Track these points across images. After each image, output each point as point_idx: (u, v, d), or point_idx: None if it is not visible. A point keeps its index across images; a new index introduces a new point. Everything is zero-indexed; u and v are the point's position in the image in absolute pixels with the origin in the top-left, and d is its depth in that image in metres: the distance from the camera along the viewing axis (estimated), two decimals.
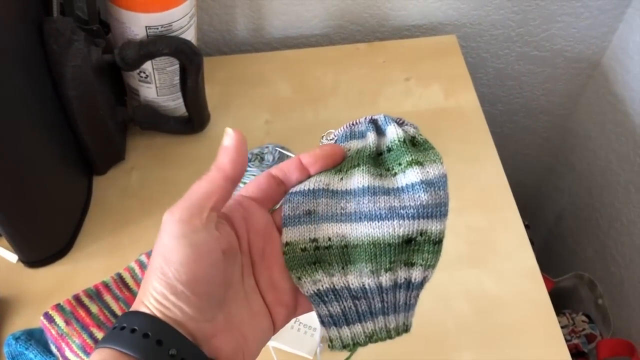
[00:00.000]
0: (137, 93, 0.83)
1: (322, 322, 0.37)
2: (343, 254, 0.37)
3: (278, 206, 0.40)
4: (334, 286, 0.37)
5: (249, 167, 0.75)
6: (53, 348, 0.64)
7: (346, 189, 0.38)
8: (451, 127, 0.88)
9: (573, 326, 1.14)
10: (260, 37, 1.01)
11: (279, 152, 0.77)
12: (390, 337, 0.37)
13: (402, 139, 0.38)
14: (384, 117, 0.39)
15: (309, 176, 0.39)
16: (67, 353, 0.63)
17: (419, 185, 0.36)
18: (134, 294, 0.68)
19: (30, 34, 0.65)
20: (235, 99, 0.91)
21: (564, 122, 1.24)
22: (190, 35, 0.78)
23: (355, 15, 1.00)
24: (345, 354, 0.66)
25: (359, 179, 0.37)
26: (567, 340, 1.10)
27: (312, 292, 0.37)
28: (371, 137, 0.39)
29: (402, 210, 0.36)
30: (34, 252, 0.74)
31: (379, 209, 0.36)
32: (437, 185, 0.36)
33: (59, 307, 0.64)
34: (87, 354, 0.63)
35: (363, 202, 0.37)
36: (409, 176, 0.37)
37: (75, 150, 0.76)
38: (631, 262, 1.07)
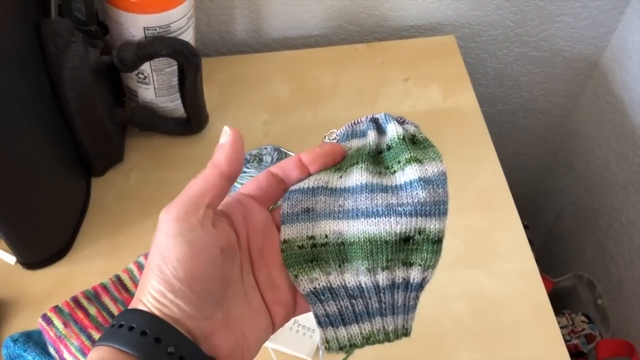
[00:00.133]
0: (136, 94, 0.82)
1: (319, 323, 0.37)
2: (340, 252, 0.37)
3: (278, 204, 0.40)
4: (330, 284, 0.37)
5: (248, 168, 0.75)
6: (51, 350, 0.64)
7: (344, 187, 0.38)
8: (450, 127, 0.88)
9: (572, 326, 1.14)
10: (258, 37, 1.01)
11: (278, 153, 0.77)
12: (388, 340, 0.37)
13: (401, 137, 0.38)
14: (385, 115, 0.39)
15: (309, 174, 0.39)
16: (66, 355, 0.63)
17: (417, 183, 0.36)
18: (132, 296, 0.68)
19: (28, 35, 0.65)
20: (233, 100, 0.91)
21: (562, 122, 1.24)
22: (188, 36, 0.78)
23: (354, 15, 1.00)
24: (342, 356, 0.66)
25: (357, 176, 0.37)
26: (566, 341, 1.10)
27: (308, 290, 0.37)
28: (371, 135, 0.39)
29: (399, 208, 0.36)
30: (32, 254, 0.73)
31: (376, 205, 0.36)
32: (436, 183, 0.36)
33: (57, 309, 0.64)
34: (86, 356, 0.63)
35: (360, 199, 0.37)
36: (408, 174, 0.37)
37: (73, 151, 0.76)
38: (630, 262, 1.07)
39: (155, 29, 0.74)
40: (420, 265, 0.36)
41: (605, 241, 1.15)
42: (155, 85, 0.81)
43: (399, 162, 0.37)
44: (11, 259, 0.74)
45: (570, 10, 1.03)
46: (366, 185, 0.37)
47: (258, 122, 0.89)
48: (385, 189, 0.37)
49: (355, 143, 0.39)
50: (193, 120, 0.84)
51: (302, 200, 0.38)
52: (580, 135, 1.20)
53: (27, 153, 0.66)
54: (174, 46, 0.73)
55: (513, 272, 0.74)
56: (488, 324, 0.71)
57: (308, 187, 0.38)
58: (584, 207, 1.22)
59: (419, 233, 0.36)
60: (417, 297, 0.37)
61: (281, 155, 0.78)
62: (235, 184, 0.68)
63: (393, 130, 0.38)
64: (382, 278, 0.36)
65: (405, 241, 0.36)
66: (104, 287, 0.68)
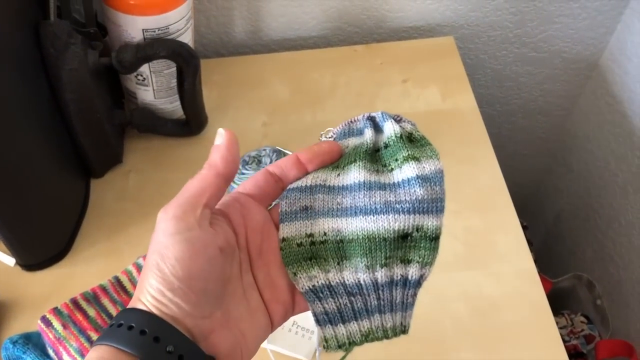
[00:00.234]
0: (135, 96, 0.83)
1: (318, 321, 0.37)
2: (338, 249, 0.37)
3: (276, 203, 0.40)
4: (329, 282, 0.37)
5: (247, 169, 0.75)
6: (50, 352, 0.64)
7: (342, 185, 0.38)
8: (449, 128, 0.88)
9: (572, 327, 1.14)
10: (257, 39, 1.01)
11: (277, 154, 0.77)
12: (387, 337, 0.37)
13: (399, 135, 0.38)
14: (382, 114, 0.39)
15: (307, 173, 0.39)
16: (65, 357, 0.63)
17: (415, 180, 0.36)
18: (131, 297, 0.68)
19: (27, 37, 0.65)
20: (232, 101, 0.91)
21: (562, 123, 1.24)
22: (187, 38, 0.78)
23: (352, 17, 1.00)
24: (341, 354, 0.66)
25: (355, 174, 0.37)
26: (565, 341, 1.10)
27: (307, 288, 0.37)
28: (368, 133, 0.39)
29: (397, 205, 0.36)
30: (32, 256, 0.73)
31: (374, 203, 0.37)
32: (433, 180, 0.37)
33: (56, 311, 0.64)
34: (85, 357, 0.63)
35: (359, 197, 0.37)
36: (405, 171, 0.37)
37: (72, 153, 0.76)
38: (630, 263, 1.07)
39: (154, 31, 0.74)
40: (418, 262, 0.36)
41: (604, 242, 1.15)
42: (154, 86, 0.81)
43: (397, 160, 0.38)
44: (10, 260, 0.74)
45: (569, 12, 1.03)
46: (364, 183, 0.37)
47: (257, 124, 0.89)
48: (383, 187, 0.37)
49: (352, 141, 0.40)
50: (192, 122, 0.84)
51: (300, 198, 0.38)
52: (580, 136, 1.21)
53: (26, 155, 0.66)
54: (173, 48, 0.73)
55: (512, 273, 0.74)
56: (487, 325, 0.71)
57: (306, 186, 0.38)
58: (583, 207, 1.22)
59: (417, 230, 0.36)
60: (415, 295, 0.37)
61: (280, 156, 0.78)
62: (234, 184, 0.68)
63: (390, 129, 0.38)
64: (381, 275, 0.36)
65: (403, 238, 0.36)
66: (103, 288, 0.68)
